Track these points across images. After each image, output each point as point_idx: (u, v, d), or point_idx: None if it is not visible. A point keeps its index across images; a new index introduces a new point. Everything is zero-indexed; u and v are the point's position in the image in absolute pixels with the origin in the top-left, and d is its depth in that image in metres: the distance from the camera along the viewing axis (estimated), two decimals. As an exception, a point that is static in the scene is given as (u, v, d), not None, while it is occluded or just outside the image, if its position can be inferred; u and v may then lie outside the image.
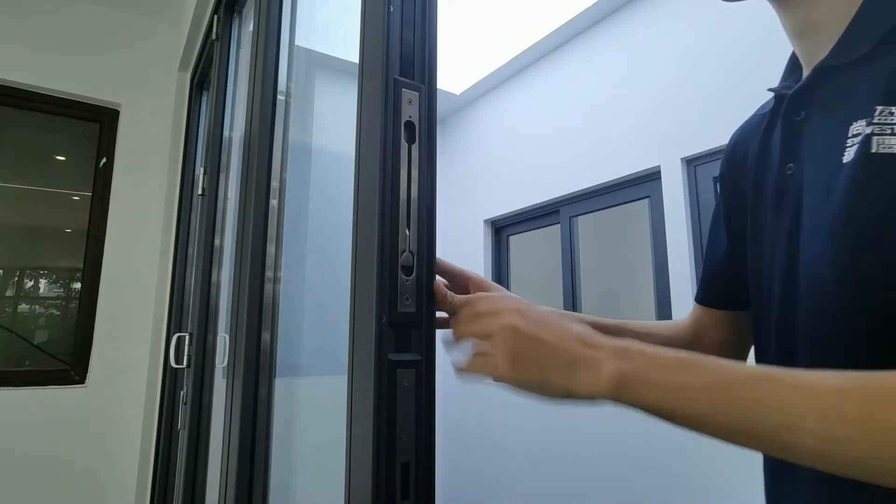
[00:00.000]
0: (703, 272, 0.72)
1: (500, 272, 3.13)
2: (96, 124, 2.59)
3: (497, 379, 0.47)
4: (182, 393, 1.92)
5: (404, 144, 0.57)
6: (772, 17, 0.57)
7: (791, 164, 0.51)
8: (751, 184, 0.59)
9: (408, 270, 0.55)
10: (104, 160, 2.57)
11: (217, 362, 1.64)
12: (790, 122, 0.52)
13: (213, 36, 1.97)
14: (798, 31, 0.53)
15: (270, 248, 1.25)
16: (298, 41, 1.45)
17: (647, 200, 2.27)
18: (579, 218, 2.62)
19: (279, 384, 1.22)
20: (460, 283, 0.63)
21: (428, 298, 0.56)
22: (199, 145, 2.40)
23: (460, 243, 3.37)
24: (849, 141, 0.42)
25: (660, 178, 2.17)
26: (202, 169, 2.02)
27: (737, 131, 0.69)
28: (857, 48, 0.44)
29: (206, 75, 2.38)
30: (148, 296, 2.50)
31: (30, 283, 2.43)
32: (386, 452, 0.50)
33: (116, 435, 2.34)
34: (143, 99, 2.63)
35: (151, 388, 2.41)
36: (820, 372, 0.34)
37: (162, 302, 2.48)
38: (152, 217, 2.56)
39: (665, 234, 2.10)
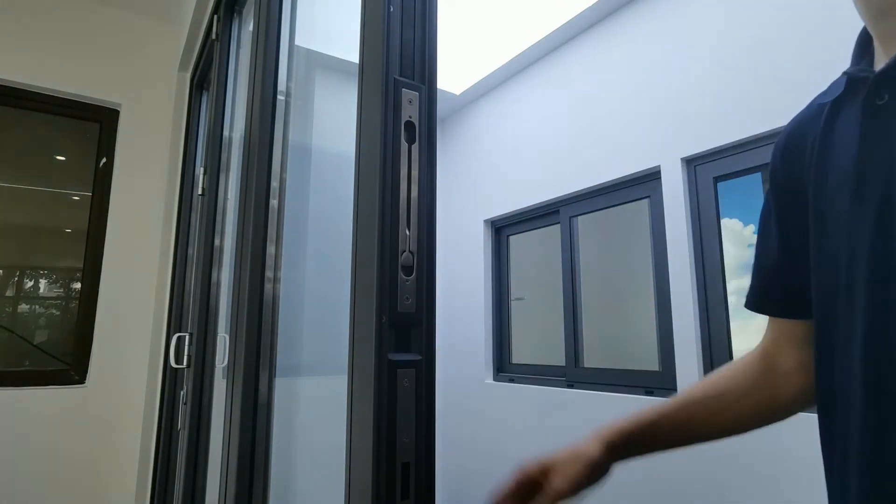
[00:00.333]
0: (755, 275, 0.66)
1: (500, 272, 3.13)
2: (96, 124, 2.59)
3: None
4: (182, 393, 1.92)
5: (404, 144, 0.57)
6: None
7: (874, 151, 0.47)
8: (813, 175, 0.55)
9: (408, 270, 0.55)
10: (104, 160, 2.57)
11: (217, 362, 1.64)
12: (871, 106, 0.48)
13: (213, 36, 1.97)
14: (880, 12, 0.50)
15: (270, 248, 1.25)
16: (298, 41, 1.45)
17: (647, 200, 2.27)
18: (579, 218, 2.62)
19: (279, 384, 1.22)
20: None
21: (428, 298, 0.56)
22: (199, 145, 2.40)
23: (460, 243, 3.37)
24: None
25: (660, 178, 2.17)
26: (202, 169, 2.02)
27: (789, 124, 0.64)
28: None
29: (206, 75, 2.38)
30: (148, 296, 2.50)
31: (30, 283, 2.43)
32: (386, 452, 0.50)
33: (116, 435, 2.35)
34: (143, 99, 2.63)
35: (151, 388, 2.41)
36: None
37: (162, 302, 2.48)
38: (152, 217, 2.56)
39: (665, 234, 2.10)
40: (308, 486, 1.34)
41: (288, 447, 1.28)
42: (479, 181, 3.26)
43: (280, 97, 1.33)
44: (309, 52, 1.53)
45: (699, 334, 1.92)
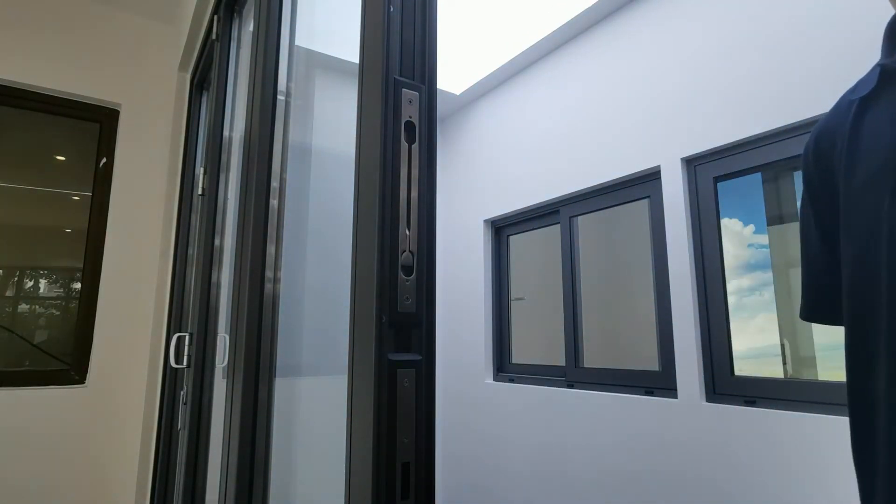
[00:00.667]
0: (805, 284, 0.63)
1: (500, 272, 3.13)
2: (96, 124, 2.59)
3: None
4: (182, 393, 1.92)
5: (404, 144, 0.57)
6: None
7: None
8: (844, 171, 0.53)
9: (408, 270, 0.55)
10: (104, 160, 2.57)
11: (217, 362, 1.64)
12: None
13: (213, 36, 1.97)
14: None
15: (270, 248, 1.25)
16: (298, 41, 1.45)
17: (647, 200, 2.27)
18: (579, 218, 2.62)
19: (279, 384, 1.22)
20: None
21: (428, 298, 0.56)
22: (199, 145, 2.40)
23: (460, 243, 3.37)
24: None
25: (660, 178, 2.17)
26: (202, 169, 2.02)
27: (818, 124, 0.63)
28: None
29: (206, 75, 2.38)
30: (148, 296, 2.50)
31: (30, 283, 2.43)
32: (386, 452, 0.50)
33: (116, 435, 2.35)
34: (143, 99, 2.63)
35: (151, 388, 2.41)
36: None
37: (162, 302, 2.48)
38: (152, 217, 2.56)
39: (665, 234, 2.10)
40: (308, 486, 1.34)
41: (288, 447, 1.28)
42: (479, 181, 3.26)
43: (280, 97, 1.33)
44: (309, 52, 1.53)
45: (699, 334, 1.92)
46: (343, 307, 0.62)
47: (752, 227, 1.88)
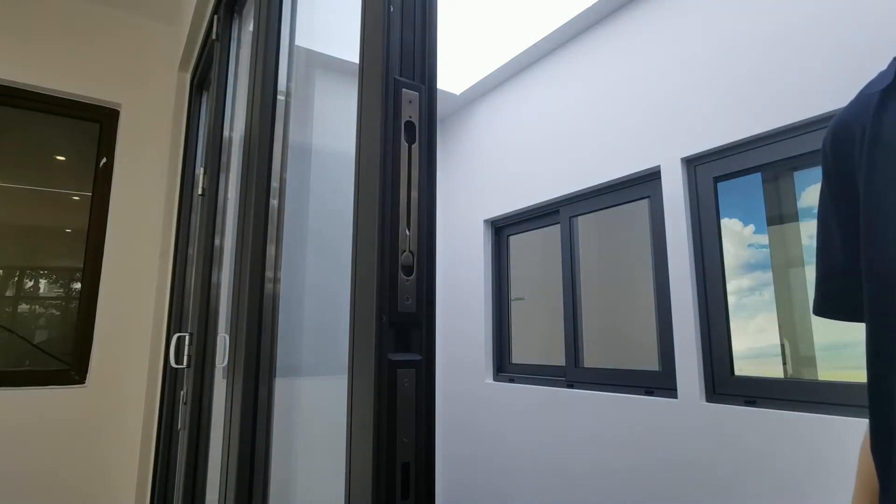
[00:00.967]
0: (820, 280, 0.62)
1: (500, 272, 3.13)
2: (96, 124, 2.59)
3: None
4: (182, 393, 1.92)
5: (404, 144, 0.57)
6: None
7: None
8: (864, 166, 0.52)
9: (408, 270, 0.55)
10: (104, 160, 2.57)
11: (217, 362, 1.64)
12: None
13: (213, 36, 1.97)
14: None
15: (270, 248, 1.25)
16: (298, 41, 1.45)
17: (647, 200, 2.27)
18: (579, 218, 2.62)
19: (279, 384, 1.22)
20: None
21: (428, 298, 0.56)
22: (199, 145, 2.40)
23: (460, 243, 3.37)
24: None
25: (660, 178, 2.17)
26: (202, 169, 2.02)
27: (836, 118, 0.61)
28: None
29: (206, 75, 2.38)
30: (148, 296, 2.50)
31: (30, 283, 2.43)
32: (386, 452, 0.50)
33: (116, 435, 2.35)
34: (143, 99, 2.63)
35: (151, 388, 2.41)
36: None
37: (162, 302, 2.48)
38: (152, 217, 2.56)
39: (665, 234, 2.10)
40: (308, 487, 1.34)
41: (288, 447, 1.28)
42: (479, 181, 3.26)
43: (280, 97, 1.34)
44: (309, 52, 1.53)
45: (699, 334, 1.92)
46: (343, 307, 0.62)
47: (751, 227, 1.88)
